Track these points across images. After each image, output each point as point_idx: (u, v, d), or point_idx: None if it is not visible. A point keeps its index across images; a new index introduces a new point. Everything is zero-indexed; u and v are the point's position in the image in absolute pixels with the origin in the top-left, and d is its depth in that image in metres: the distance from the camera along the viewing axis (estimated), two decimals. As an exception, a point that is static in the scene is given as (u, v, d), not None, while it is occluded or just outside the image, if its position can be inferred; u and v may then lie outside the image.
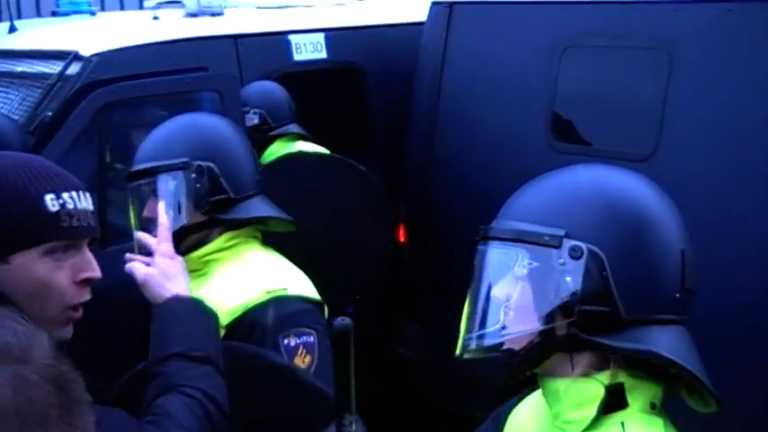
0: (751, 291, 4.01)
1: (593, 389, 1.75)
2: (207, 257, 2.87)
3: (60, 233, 1.99)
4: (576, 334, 1.74)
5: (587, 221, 1.77)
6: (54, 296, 2.00)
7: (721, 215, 4.09)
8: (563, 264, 1.75)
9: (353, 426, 1.78)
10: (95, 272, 2.04)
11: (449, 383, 5.12)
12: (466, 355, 1.87)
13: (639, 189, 1.84)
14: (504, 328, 1.81)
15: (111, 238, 3.07)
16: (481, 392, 4.67)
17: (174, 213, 2.80)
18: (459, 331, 1.90)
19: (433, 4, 5.53)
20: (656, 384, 1.77)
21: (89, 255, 2.06)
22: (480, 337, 1.85)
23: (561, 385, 1.79)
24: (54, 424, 0.88)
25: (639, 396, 1.76)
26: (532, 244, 1.79)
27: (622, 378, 1.76)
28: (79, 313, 2.05)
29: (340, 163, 4.90)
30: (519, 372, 1.83)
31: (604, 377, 1.75)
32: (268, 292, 2.73)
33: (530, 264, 1.79)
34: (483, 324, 1.85)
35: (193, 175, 2.82)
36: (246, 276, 2.80)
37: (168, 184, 2.83)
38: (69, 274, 2.01)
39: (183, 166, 2.83)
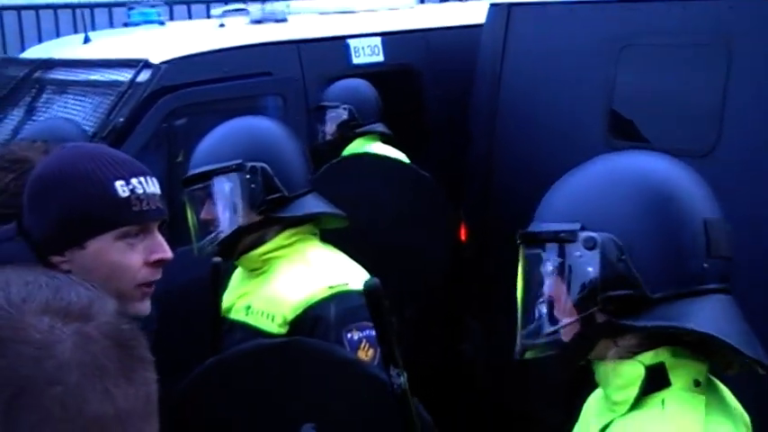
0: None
1: (634, 370, 1.77)
2: (267, 255, 2.87)
3: (132, 218, 2.02)
4: (609, 319, 1.76)
5: (601, 209, 1.81)
6: (127, 277, 2.03)
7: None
8: (580, 256, 1.78)
9: (400, 377, 1.79)
10: (167, 253, 2.07)
11: (508, 381, 5.08)
12: (523, 356, 1.91)
13: (651, 166, 1.87)
14: (544, 325, 1.86)
15: (181, 238, 3.07)
16: (540, 390, 4.66)
17: (230, 214, 2.83)
18: (516, 331, 1.93)
19: (492, 5, 5.51)
20: (699, 361, 1.78)
21: (160, 237, 2.09)
22: (529, 336, 1.90)
23: (608, 368, 1.82)
24: (112, 376, 0.90)
25: (682, 374, 1.77)
26: (552, 242, 1.84)
27: (663, 357, 1.77)
28: (152, 289, 2.08)
29: (400, 167, 4.88)
30: (572, 362, 1.89)
31: (646, 357, 1.77)
32: (330, 288, 2.74)
33: (555, 260, 1.83)
34: (529, 324, 1.89)
35: (248, 176, 2.83)
36: (308, 273, 2.80)
37: (224, 186, 2.84)
38: (142, 256, 2.04)
39: (237, 168, 2.83)
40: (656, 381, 1.76)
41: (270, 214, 2.85)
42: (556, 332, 1.83)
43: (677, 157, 1.91)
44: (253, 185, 2.82)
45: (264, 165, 2.84)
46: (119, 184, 2.02)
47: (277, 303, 2.76)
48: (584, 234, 1.78)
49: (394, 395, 1.83)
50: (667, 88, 4.61)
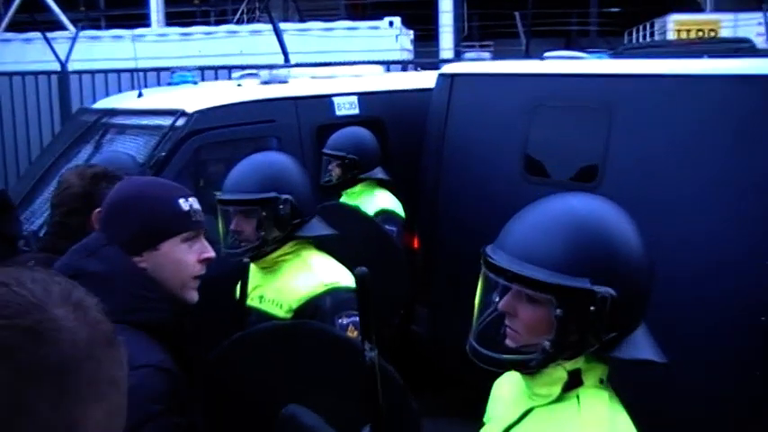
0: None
1: (559, 373, 1.69)
2: (278, 259, 2.88)
3: (192, 225, 2.06)
4: (594, 353, 1.66)
5: (608, 266, 1.63)
6: (187, 270, 2.05)
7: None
8: (592, 309, 1.61)
9: (372, 351, 1.77)
10: (212, 253, 2.11)
11: (449, 354, 5.08)
12: (479, 361, 1.75)
13: (626, 225, 1.72)
14: (557, 348, 1.65)
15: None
16: (470, 362, 4.67)
17: (264, 233, 2.83)
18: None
19: (440, 75, 5.55)
20: (603, 365, 1.71)
21: (206, 241, 2.12)
22: (492, 350, 1.73)
23: (547, 370, 1.71)
24: (115, 346, 0.89)
25: (592, 375, 1.70)
26: (564, 295, 1.61)
27: (580, 364, 1.68)
28: (199, 282, 2.10)
29: (357, 216, 4.41)
30: (521, 370, 1.73)
31: (568, 365, 1.68)
32: (325, 285, 2.77)
33: (559, 307, 1.62)
34: (490, 340, 1.74)
35: (281, 206, 2.82)
36: (309, 273, 2.83)
37: (262, 213, 2.83)
38: (196, 254, 2.07)
39: (274, 200, 2.83)
40: (573, 381, 1.69)
41: (293, 233, 2.87)
42: (528, 356, 1.66)
43: (572, 189, 1.85)
44: (282, 213, 2.83)
45: (290, 197, 2.84)
46: (181, 201, 2.06)
47: (285, 295, 2.78)
48: (598, 290, 1.61)
49: (365, 366, 1.80)
50: (566, 138, 4.66)
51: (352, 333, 2.68)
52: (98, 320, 0.88)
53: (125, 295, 1.89)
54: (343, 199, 4.79)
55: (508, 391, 1.90)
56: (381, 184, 4.88)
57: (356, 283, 1.74)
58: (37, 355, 0.82)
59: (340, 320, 2.71)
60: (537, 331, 1.66)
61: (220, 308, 2.72)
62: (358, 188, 4.82)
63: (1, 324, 0.82)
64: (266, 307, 2.82)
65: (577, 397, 1.68)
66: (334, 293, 2.76)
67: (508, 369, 1.79)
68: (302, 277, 2.81)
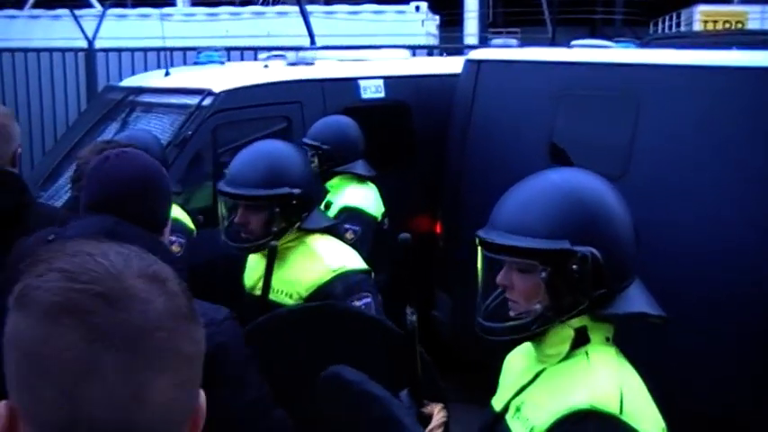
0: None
1: (566, 332, 1.78)
2: (282, 247, 2.80)
3: None
4: (590, 311, 1.76)
5: (585, 226, 1.74)
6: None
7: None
8: (575, 268, 1.73)
9: (413, 315, 1.79)
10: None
11: (469, 338, 5.08)
12: (488, 335, 1.86)
13: (602, 188, 1.82)
14: (554, 311, 1.76)
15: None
16: (490, 344, 4.67)
17: (273, 228, 2.77)
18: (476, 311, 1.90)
19: (467, 60, 5.53)
20: (608, 324, 1.81)
21: None
22: (494, 321, 1.84)
23: (553, 331, 1.80)
24: (191, 322, 0.91)
25: (598, 333, 1.79)
26: (545, 257, 1.74)
27: (585, 321, 1.77)
28: None
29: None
30: (525, 335, 1.83)
31: (574, 322, 1.77)
32: (333, 271, 2.73)
33: (544, 270, 1.74)
34: (491, 312, 1.85)
35: (294, 202, 2.78)
36: (316, 260, 2.78)
37: (274, 209, 2.76)
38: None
39: (287, 196, 2.77)
40: (580, 339, 1.78)
41: (301, 226, 2.82)
42: (525, 319, 1.77)
43: None
44: (294, 208, 2.78)
45: (300, 191, 2.78)
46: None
47: (294, 284, 2.74)
48: (578, 249, 1.72)
49: (406, 330, 1.82)
50: (592, 127, 4.63)
51: None
52: (174, 294, 0.90)
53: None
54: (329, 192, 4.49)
55: (519, 361, 1.97)
56: (361, 178, 4.50)
57: (400, 247, 1.77)
58: (107, 319, 0.84)
59: (352, 304, 2.68)
60: (533, 297, 1.76)
61: (215, 294, 2.75)
62: (335, 181, 4.47)
63: (77, 288, 0.85)
64: (275, 297, 2.77)
65: (586, 353, 1.77)
66: (344, 278, 2.73)
67: (515, 338, 1.86)
68: (309, 265, 2.77)
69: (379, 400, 1.79)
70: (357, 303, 2.69)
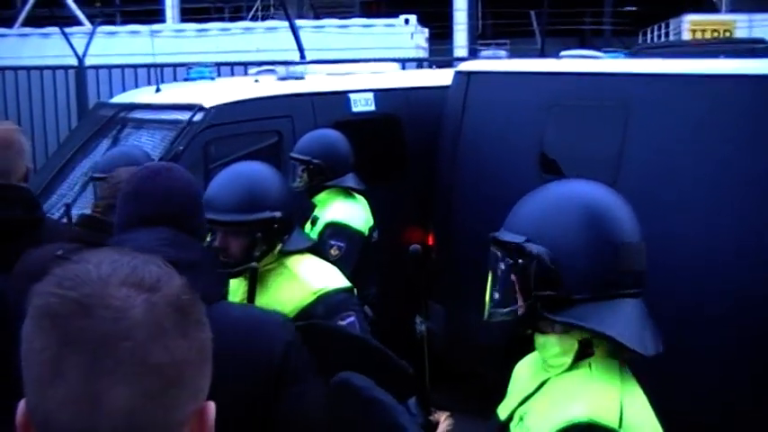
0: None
1: (569, 343, 1.78)
2: (262, 269, 2.74)
3: None
4: (538, 310, 1.78)
5: (542, 226, 1.80)
6: None
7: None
8: (522, 262, 1.79)
9: (422, 325, 1.79)
10: None
11: (464, 349, 5.09)
12: (490, 319, 1.91)
13: (587, 196, 1.84)
14: (505, 302, 1.86)
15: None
16: (485, 355, 4.67)
17: (255, 253, 2.70)
18: (473, 312, 1.93)
19: (456, 72, 5.56)
20: None
21: None
22: (496, 306, 1.90)
23: (547, 339, 1.82)
24: (170, 335, 0.90)
25: (602, 345, 1.77)
26: (505, 248, 1.84)
27: (587, 334, 1.77)
28: None
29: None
30: (516, 331, 1.89)
31: (579, 334, 1.77)
32: (314, 293, 2.67)
33: (507, 262, 1.84)
34: (495, 299, 1.89)
35: (275, 225, 2.71)
36: (296, 283, 2.71)
37: (255, 235, 2.69)
38: None
39: (269, 221, 2.70)
40: (584, 350, 1.77)
41: (282, 248, 2.75)
42: (512, 309, 1.84)
43: None
44: (275, 231, 2.72)
45: (280, 214, 2.71)
46: None
47: (276, 308, 2.58)
48: (527, 245, 1.78)
49: (416, 337, 1.82)
50: (581, 137, 4.65)
51: None
52: (155, 306, 0.90)
53: (212, 275, 1.98)
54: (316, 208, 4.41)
55: (526, 370, 1.98)
56: (349, 192, 4.40)
57: (410, 258, 1.78)
58: (78, 325, 0.86)
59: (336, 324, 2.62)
60: (506, 288, 1.85)
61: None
62: (323, 195, 4.36)
63: (56, 292, 0.88)
64: None
65: (589, 365, 1.76)
66: (326, 298, 2.66)
67: (509, 328, 1.93)
68: (291, 288, 2.70)
69: (385, 407, 1.80)
70: (341, 323, 2.63)
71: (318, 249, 2.92)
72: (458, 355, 5.26)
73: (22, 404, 0.91)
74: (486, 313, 1.91)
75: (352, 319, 2.67)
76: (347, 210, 4.32)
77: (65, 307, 0.87)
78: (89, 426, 0.86)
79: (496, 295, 1.88)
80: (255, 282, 2.69)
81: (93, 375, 0.86)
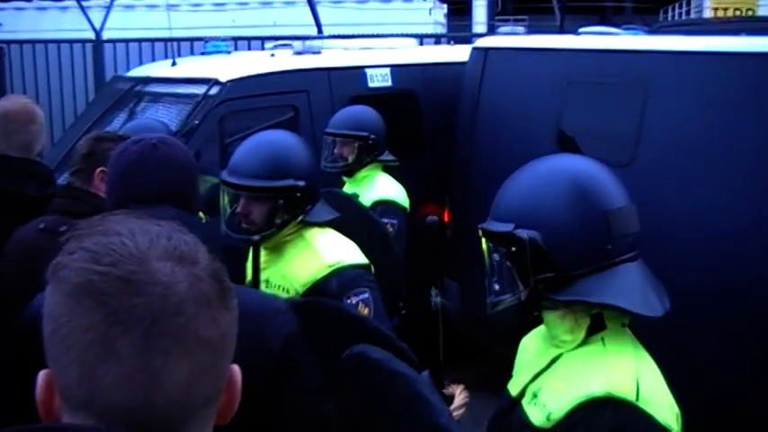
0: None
1: (580, 318, 1.79)
2: (281, 239, 2.75)
3: None
4: (542, 293, 1.79)
5: (530, 211, 1.79)
6: None
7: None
8: (515, 250, 1.78)
9: (437, 297, 1.80)
10: None
11: (479, 326, 5.10)
12: (494, 310, 1.91)
13: (566, 171, 1.84)
14: (507, 290, 1.86)
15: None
16: (498, 331, 4.68)
17: (277, 219, 2.70)
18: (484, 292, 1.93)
19: (474, 48, 5.52)
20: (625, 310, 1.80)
21: None
22: (496, 296, 1.89)
23: (557, 316, 1.82)
24: (215, 307, 0.90)
25: (613, 319, 1.79)
26: (496, 239, 1.85)
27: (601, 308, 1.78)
28: None
29: (353, 209, 3.71)
30: (526, 314, 1.89)
31: (587, 308, 1.78)
32: (329, 267, 2.66)
33: (500, 252, 1.84)
34: (494, 289, 1.90)
35: (298, 194, 2.70)
36: (312, 255, 2.71)
37: (277, 202, 2.69)
38: None
39: (291, 188, 2.69)
40: (596, 325, 1.78)
41: (304, 219, 2.75)
42: (515, 296, 1.84)
43: (605, 165, 1.90)
44: (298, 200, 2.71)
45: (304, 183, 2.71)
46: None
47: (290, 280, 2.68)
48: (517, 232, 1.77)
49: (432, 310, 1.83)
50: (600, 114, 4.62)
51: (363, 311, 2.60)
52: (198, 277, 0.90)
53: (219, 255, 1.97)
54: (347, 185, 4.41)
55: (534, 345, 1.98)
56: (386, 167, 4.46)
57: (426, 229, 1.78)
58: (126, 303, 0.85)
59: (348, 300, 2.62)
60: (504, 276, 1.86)
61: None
62: (363, 173, 4.38)
63: (99, 270, 0.86)
64: (272, 291, 2.70)
65: (602, 339, 1.77)
66: (340, 274, 2.66)
67: (515, 314, 1.91)
68: (306, 260, 2.70)
69: (406, 379, 1.79)
70: (354, 299, 2.63)
71: (341, 223, 2.89)
72: (473, 331, 5.27)
73: (43, 378, 0.90)
74: (488, 305, 1.90)
75: (366, 295, 2.65)
76: (392, 186, 4.37)
77: (109, 285, 0.86)
78: (146, 403, 0.85)
79: (496, 286, 1.88)
80: (258, 255, 2.69)
81: (148, 353, 0.85)
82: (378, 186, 4.31)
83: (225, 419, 0.96)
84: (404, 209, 4.28)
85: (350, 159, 4.36)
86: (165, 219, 1.83)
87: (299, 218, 2.74)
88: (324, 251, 2.72)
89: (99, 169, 2.64)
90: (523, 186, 1.85)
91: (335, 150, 4.38)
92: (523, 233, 1.76)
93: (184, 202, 1.93)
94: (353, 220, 3.55)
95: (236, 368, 0.96)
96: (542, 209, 1.78)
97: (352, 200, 3.92)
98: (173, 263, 0.89)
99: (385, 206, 4.17)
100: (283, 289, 2.69)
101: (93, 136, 2.83)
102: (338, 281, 2.64)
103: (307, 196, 2.74)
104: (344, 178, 4.44)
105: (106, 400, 0.85)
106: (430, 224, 1.79)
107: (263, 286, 2.73)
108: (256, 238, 2.68)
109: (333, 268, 2.66)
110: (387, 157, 4.44)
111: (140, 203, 1.87)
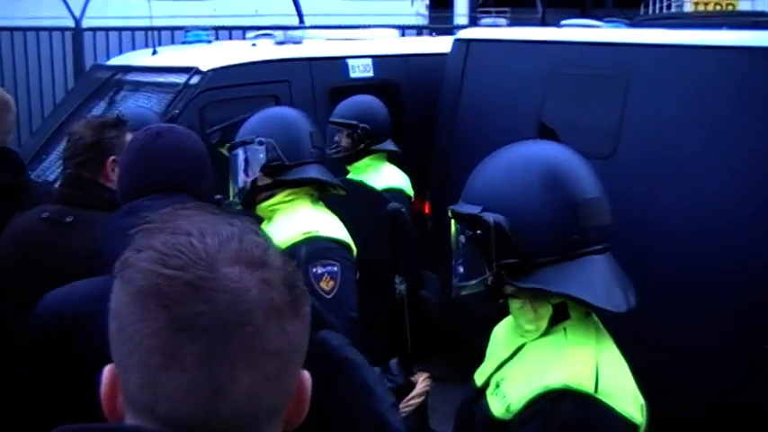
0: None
1: (543, 307, 1.76)
2: (271, 208, 2.87)
3: None
4: (503, 279, 1.76)
5: (498, 195, 1.77)
6: None
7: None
8: (480, 233, 1.76)
9: (402, 285, 1.79)
10: None
11: (458, 318, 5.10)
12: (459, 295, 1.89)
13: (538, 159, 1.81)
14: (466, 277, 1.84)
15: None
16: (475, 322, 4.69)
17: (247, 176, 2.84)
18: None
19: (456, 40, 5.51)
20: None
21: None
22: (461, 281, 1.87)
23: (521, 305, 1.80)
24: (285, 316, 0.85)
25: (577, 308, 1.76)
26: (463, 221, 1.83)
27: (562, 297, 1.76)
28: None
29: (364, 193, 3.85)
30: (492, 300, 1.85)
31: (549, 298, 1.75)
32: (303, 234, 2.72)
33: (467, 234, 1.82)
34: (459, 274, 1.88)
35: (257, 147, 2.82)
36: (292, 222, 2.79)
37: (240, 154, 2.86)
38: None
39: (250, 141, 2.84)
40: (559, 314, 1.76)
41: (275, 177, 2.85)
42: (479, 281, 1.81)
43: (587, 158, 1.88)
44: (260, 155, 2.83)
45: (270, 139, 2.83)
46: None
47: None
48: (483, 215, 1.76)
49: (395, 298, 1.82)
50: (581, 106, 4.62)
51: (328, 283, 2.63)
52: (270, 284, 0.86)
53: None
54: (350, 174, 4.47)
55: (503, 333, 1.97)
56: (390, 157, 4.55)
57: (391, 217, 1.78)
58: (192, 310, 0.82)
59: (314, 269, 2.64)
60: (469, 260, 1.84)
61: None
62: (365, 161, 4.45)
63: (166, 274, 0.82)
64: None
65: (564, 329, 1.75)
66: (311, 242, 2.70)
67: (478, 298, 1.88)
68: (285, 226, 2.77)
69: (356, 367, 1.79)
70: (320, 269, 2.65)
71: (332, 188, 2.97)
72: (452, 323, 5.28)
73: (108, 374, 0.87)
74: (453, 288, 1.88)
75: (334, 269, 2.67)
76: (397, 175, 4.48)
77: (176, 290, 0.82)
78: (208, 413, 0.82)
79: (461, 269, 1.85)
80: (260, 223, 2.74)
81: (213, 363, 0.81)
82: (384, 174, 4.42)
83: (292, 427, 0.92)
84: (409, 197, 4.41)
85: (343, 146, 4.46)
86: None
87: (274, 178, 2.84)
88: (303, 220, 2.80)
89: (111, 158, 2.60)
90: (495, 170, 1.84)
91: (335, 138, 4.49)
92: (490, 216, 1.75)
93: (194, 190, 1.89)
94: (365, 202, 3.60)
95: (305, 375, 0.92)
96: (511, 194, 1.77)
97: (367, 186, 4.04)
98: (242, 267, 0.84)
99: (391, 194, 4.22)
100: None
101: (92, 123, 2.76)
102: (308, 249, 2.68)
103: (268, 152, 2.83)
104: (347, 167, 4.52)
105: (168, 407, 0.82)
106: (391, 212, 1.77)
107: None
108: (227, 201, 2.82)
109: (306, 236, 2.72)
110: (388, 146, 4.50)
111: (155, 194, 1.84)
